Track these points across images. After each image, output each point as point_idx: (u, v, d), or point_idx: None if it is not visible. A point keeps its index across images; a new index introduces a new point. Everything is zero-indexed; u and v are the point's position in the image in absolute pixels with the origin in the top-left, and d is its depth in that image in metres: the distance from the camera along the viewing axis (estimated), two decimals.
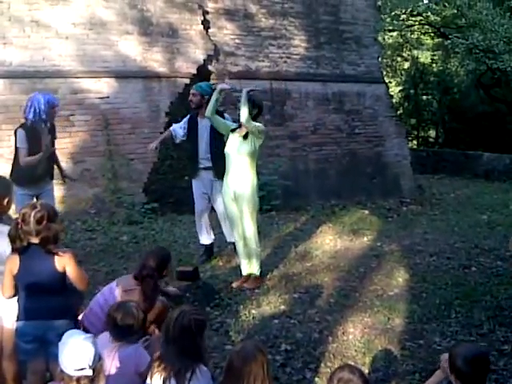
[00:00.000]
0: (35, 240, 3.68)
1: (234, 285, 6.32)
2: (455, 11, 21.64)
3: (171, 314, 3.48)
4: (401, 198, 12.88)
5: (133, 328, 3.69)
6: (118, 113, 10.26)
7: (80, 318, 4.41)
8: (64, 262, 3.70)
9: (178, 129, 7.20)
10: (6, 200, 4.10)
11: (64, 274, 3.72)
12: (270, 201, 10.56)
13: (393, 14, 22.07)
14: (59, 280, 3.72)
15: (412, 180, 14.05)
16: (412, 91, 27.07)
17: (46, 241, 3.68)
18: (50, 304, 3.70)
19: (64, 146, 9.08)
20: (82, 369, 2.97)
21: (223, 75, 11.43)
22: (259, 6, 12.03)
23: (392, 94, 18.49)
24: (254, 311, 5.63)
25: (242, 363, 3.01)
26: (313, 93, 12.65)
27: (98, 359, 3.01)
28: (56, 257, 3.69)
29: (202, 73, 11.15)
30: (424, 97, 27.70)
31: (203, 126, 6.91)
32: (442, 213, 11.69)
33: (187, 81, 10.77)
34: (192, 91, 7.09)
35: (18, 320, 3.80)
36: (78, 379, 2.93)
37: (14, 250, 3.71)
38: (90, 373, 2.96)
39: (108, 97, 10.17)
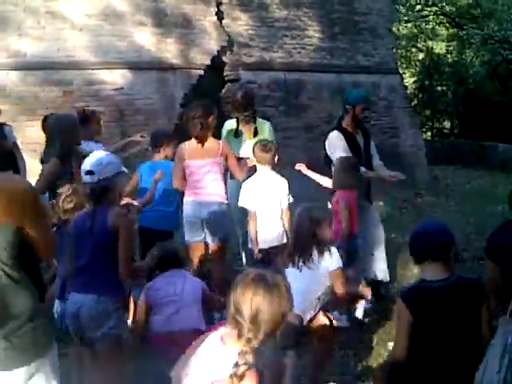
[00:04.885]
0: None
1: None
2: (470, 1, 21.54)
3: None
4: (415, 189, 12.83)
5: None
6: (133, 104, 10.28)
7: None
8: None
9: None
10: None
11: None
12: None
13: (408, 4, 22.00)
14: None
15: (427, 171, 13.99)
16: (427, 82, 26.85)
17: None
18: None
19: None
20: (87, 172, 3.27)
21: (237, 66, 11.43)
22: None
23: (406, 84, 18.36)
24: None
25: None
26: (327, 83, 12.60)
27: (109, 171, 3.33)
28: None
29: (216, 64, 11.15)
30: (439, 88, 27.47)
31: None
32: (456, 204, 11.63)
33: (201, 72, 10.78)
34: None
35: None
36: None
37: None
38: (94, 180, 3.26)
39: (122, 88, 10.18)
